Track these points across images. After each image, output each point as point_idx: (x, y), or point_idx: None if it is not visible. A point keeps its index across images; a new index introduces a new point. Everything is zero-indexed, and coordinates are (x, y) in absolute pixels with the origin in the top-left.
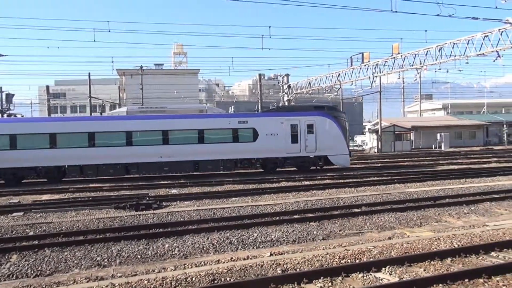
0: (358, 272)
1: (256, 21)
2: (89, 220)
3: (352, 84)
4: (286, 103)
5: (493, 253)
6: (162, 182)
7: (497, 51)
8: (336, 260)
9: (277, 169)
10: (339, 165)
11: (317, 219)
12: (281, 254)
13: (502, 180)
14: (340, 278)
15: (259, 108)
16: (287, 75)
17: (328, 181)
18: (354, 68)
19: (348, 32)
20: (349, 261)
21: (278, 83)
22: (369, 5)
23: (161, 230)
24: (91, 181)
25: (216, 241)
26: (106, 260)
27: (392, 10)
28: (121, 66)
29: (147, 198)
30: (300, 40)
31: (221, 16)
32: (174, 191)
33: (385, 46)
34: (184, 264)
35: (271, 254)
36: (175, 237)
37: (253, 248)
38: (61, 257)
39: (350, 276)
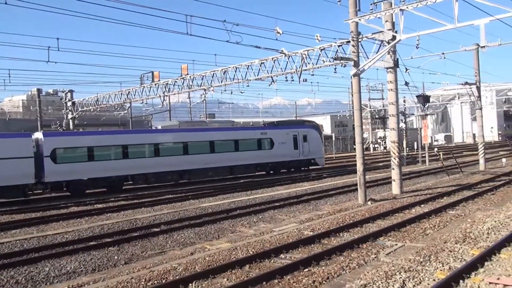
0: None
1: (43, 32)
2: None
3: (143, 102)
4: (71, 121)
5: (282, 255)
6: None
7: (271, 77)
8: (142, 283)
9: (281, 171)
10: (321, 164)
11: (116, 243)
12: (81, 286)
13: (281, 190)
14: None
15: (39, 127)
16: (71, 91)
17: (122, 203)
18: (144, 86)
19: (141, 50)
20: (155, 282)
21: (61, 99)
22: (167, 26)
23: None
24: None
25: None
26: None
27: (188, 33)
28: None
29: None
30: (89, 55)
31: None
32: None
33: (178, 67)
34: None
35: None
36: None
37: (46, 284)
38: None
39: None
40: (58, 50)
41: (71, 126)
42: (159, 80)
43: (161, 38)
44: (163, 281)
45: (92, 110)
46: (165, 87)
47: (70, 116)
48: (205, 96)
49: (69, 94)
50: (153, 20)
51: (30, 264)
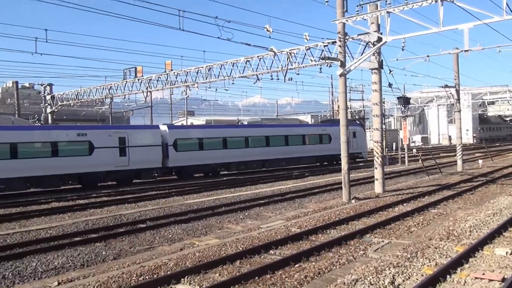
0: (159, 287)
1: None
2: None
3: (124, 97)
4: (49, 115)
5: (271, 251)
6: None
7: (256, 75)
8: (134, 278)
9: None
10: (365, 158)
11: (103, 238)
12: (71, 281)
13: (264, 187)
14: None
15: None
16: (50, 84)
17: (105, 198)
18: (127, 81)
19: (126, 44)
20: (147, 277)
21: (38, 92)
22: (159, 20)
23: None
24: None
25: None
26: None
27: (180, 28)
28: None
29: None
30: (74, 47)
31: None
32: None
33: (164, 62)
34: None
35: (59, 283)
36: None
37: (34, 279)
38: None
39: None
40: (47, 41)
41: (49, 121)
42: (142, 76)
43: (148, 32)
44: (155, 276)
45: (72, 104)
46: (148, 83)
47: (49, 110)
48: (186, 93)
49: (48, 88)
50: (145, 13)
51: (15, 259)
